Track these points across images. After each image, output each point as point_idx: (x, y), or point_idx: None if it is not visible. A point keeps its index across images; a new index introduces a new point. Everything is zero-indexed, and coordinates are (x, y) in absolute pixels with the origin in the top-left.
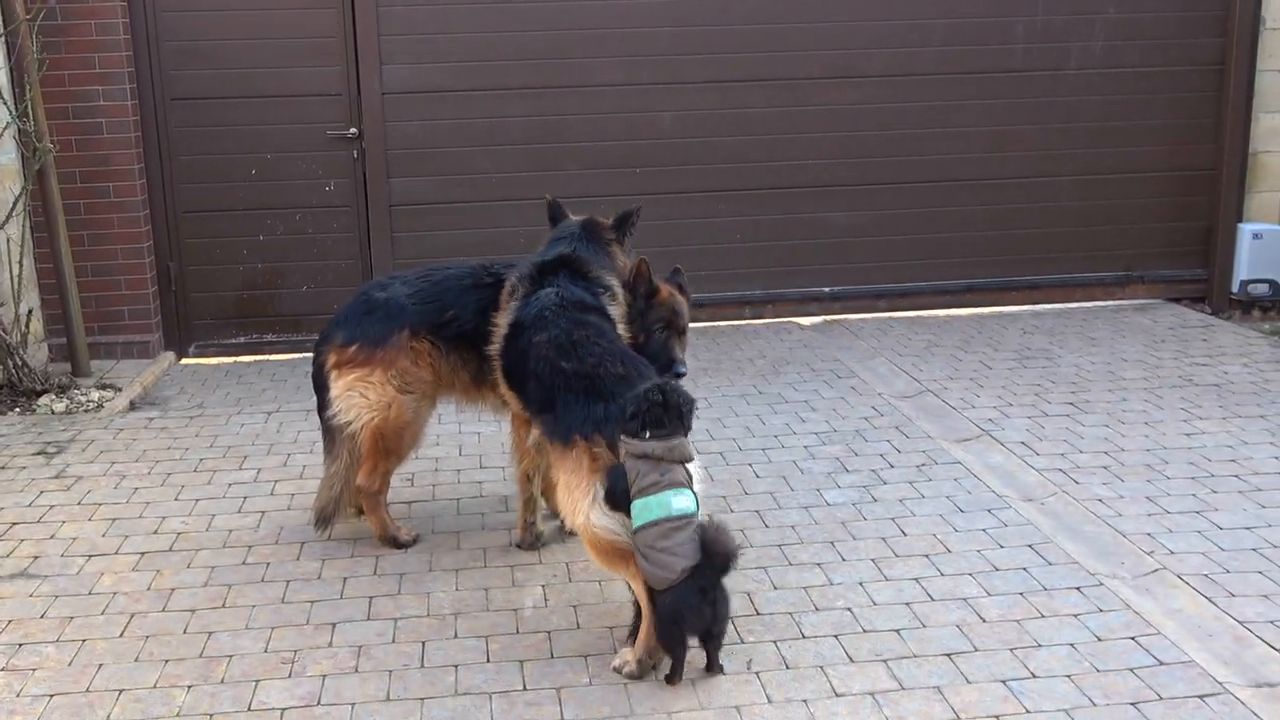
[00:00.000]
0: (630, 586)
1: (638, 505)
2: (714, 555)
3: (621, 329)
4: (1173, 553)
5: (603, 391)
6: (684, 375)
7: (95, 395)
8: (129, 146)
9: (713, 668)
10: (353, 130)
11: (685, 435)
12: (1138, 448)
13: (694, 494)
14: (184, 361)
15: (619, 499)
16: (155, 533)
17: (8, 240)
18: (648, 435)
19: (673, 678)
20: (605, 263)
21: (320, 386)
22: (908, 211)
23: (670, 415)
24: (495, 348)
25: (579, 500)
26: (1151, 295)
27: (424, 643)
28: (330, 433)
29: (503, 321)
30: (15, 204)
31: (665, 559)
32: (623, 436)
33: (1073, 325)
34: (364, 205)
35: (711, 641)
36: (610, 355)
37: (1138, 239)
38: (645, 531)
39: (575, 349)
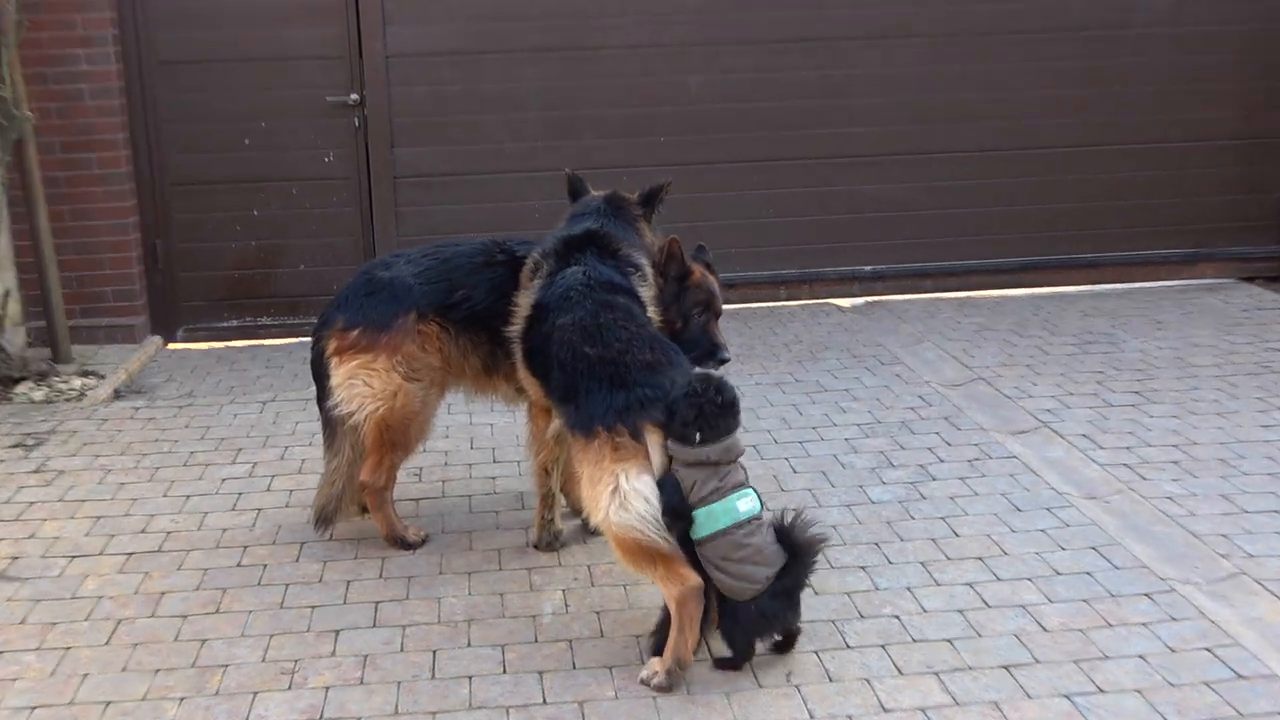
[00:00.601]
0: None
1: (701, 514)
2: (803, 553)
3: (652, 312)
4: (1251, 555)
5: (627, 379)
6: (729, 361)
7: (77, 383)
8: (113, 114)
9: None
10: (354, 96)
11: (736, 432)
12: (1211, 440)
13: (755, 491)
14: (172, 346)
15: (679, 512)
16: (143, 532)
17: None
18: (698, 439)
19: (732, 666)
20: (634, 240)
21: (320, 374)
22: (957, 183)
23: (726, 415)
24: (516, 329)
25: (602, 495)
26: (1222, 274)
27: (435, 652)
28: (331, 424)
29: (524, 302)
30: None
31: (746, 570)
32: (670, 442)
33: (1137, 307)
34: (366, 177)
35: (790, 638)
36: (638, 340)
37: (1207, 213)
38: (715, 542)
39: (601, 333)
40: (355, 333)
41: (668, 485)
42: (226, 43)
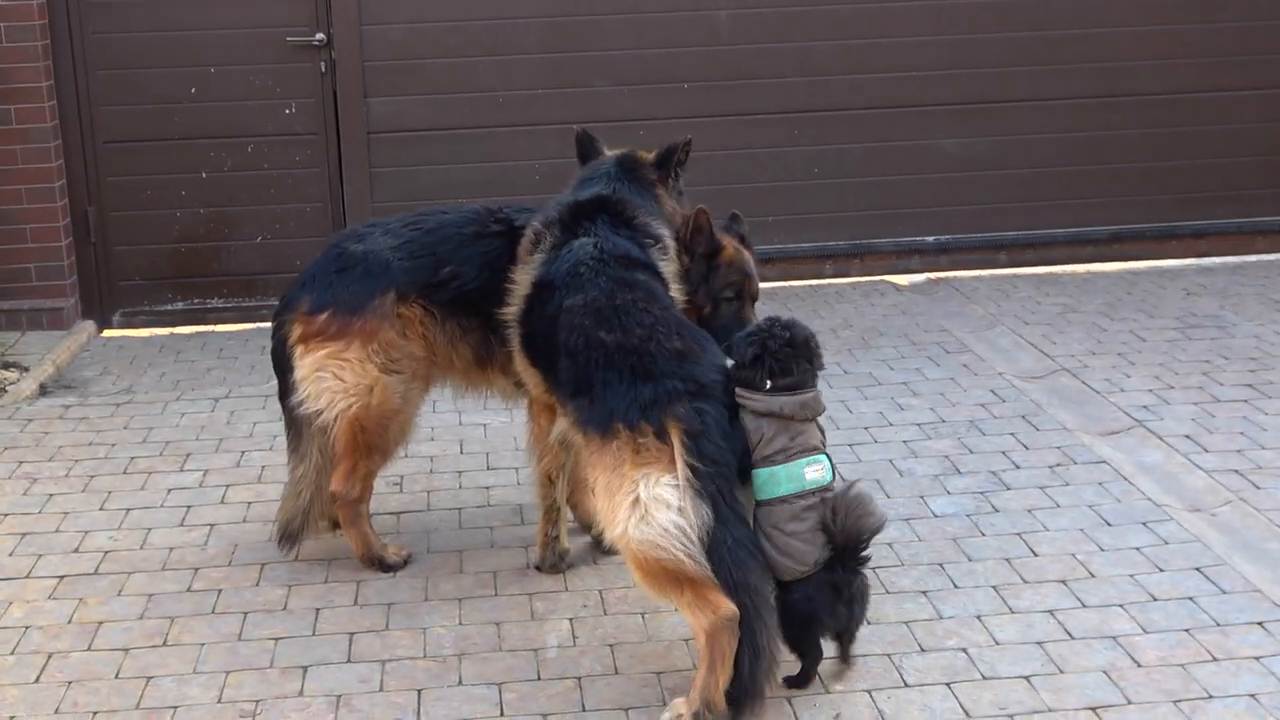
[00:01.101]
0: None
1: (763, 475)
2: (848, 545)
3: (674, 290)
4: None
5: (652, 370)
6: None
7: None
8: (35, 59)
9: (846, 659)
10: (320, 36)
11: (817, 384)
12: None
13: (829, 458)
14: (107, 333)
15: (739, 466)
16: (76, 551)
17: None
18: (768, 386)
19: (801, 682)
20: (652, 208)
21: (282, 366)
22: (1037, 137)
23: (800, 360)
24: (513, 311)
25: (620, 506)
26: None
27: (420, 691)
28: (296, 425)
29: (524, 279)
30: None
31: (796, 546)
32: (739, 390)
33: (1251, 284)
34: (334, 133)
35: (845, 641)
36: (664, 325)
37: None
38: (773, 509)
39: (619, 316)
40: (324, 317)
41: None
42: None
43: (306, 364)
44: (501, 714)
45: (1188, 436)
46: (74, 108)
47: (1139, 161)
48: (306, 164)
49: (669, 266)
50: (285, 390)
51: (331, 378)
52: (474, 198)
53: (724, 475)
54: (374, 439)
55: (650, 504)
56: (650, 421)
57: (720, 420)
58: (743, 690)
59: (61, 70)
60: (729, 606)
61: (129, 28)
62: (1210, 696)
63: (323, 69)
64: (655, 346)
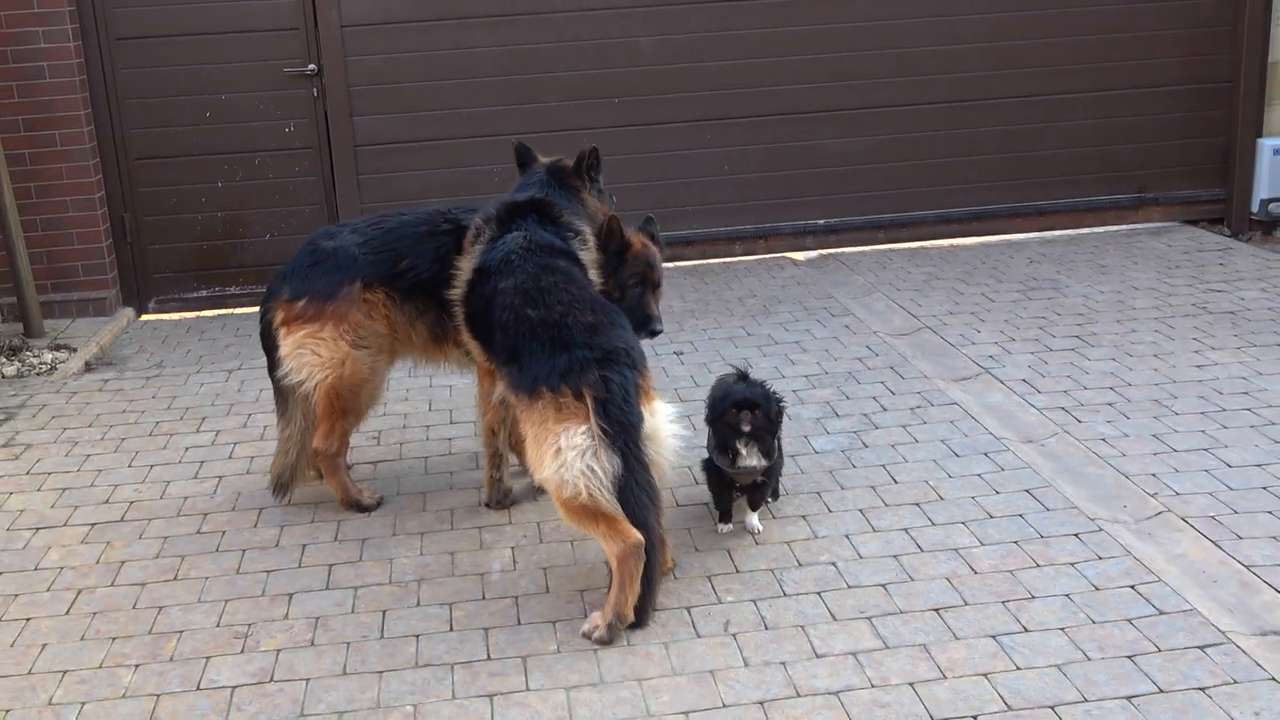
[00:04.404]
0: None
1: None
2: None
3: (594, 275)
4: (1178, 494)
5: (569, 341)
6: (660, 333)
7: (49, 357)
8: (74, 91)
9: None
10: (311, 66)
11: None
12: (1145, 382)
13: None
14: (144, 318)
15: None
16: (106, 502)
17: None
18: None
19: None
20: (576, 209)
21: (269, 346)
22: (908, 135)
23: None
24: (458, 293)
25: (545, 454)
26: (1168, 218)
27: (384, 612)
28: (283, 393)
29: (466, 266)
30: None
31: None
32: None
33: (1083, 253)
34: (327, 146)
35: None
36: (579, 302)
37: (1152, 158)
38: None
39: (542, 295)
40: (301, 303)
41: None
42: (182, 16)
43: (289, 343)
44: (451, 629)
45: (1024, 380)
46: (109, 131)
47: (992, 154)
48: (304, 173)
49: (587, 255)
50: (272, 365)
51: (310, 353)
52: (445, 198)
53: (628, 432)
54: (347, 403)
55: (569, 452)
56: (569, 385)
57: (624, 384)
58: (640, 606)
59: (97, 100)
60: (636, 536)
61: (153, 63)
62: (1033, 597)
63: (315, 94)
64: (572, 321)
